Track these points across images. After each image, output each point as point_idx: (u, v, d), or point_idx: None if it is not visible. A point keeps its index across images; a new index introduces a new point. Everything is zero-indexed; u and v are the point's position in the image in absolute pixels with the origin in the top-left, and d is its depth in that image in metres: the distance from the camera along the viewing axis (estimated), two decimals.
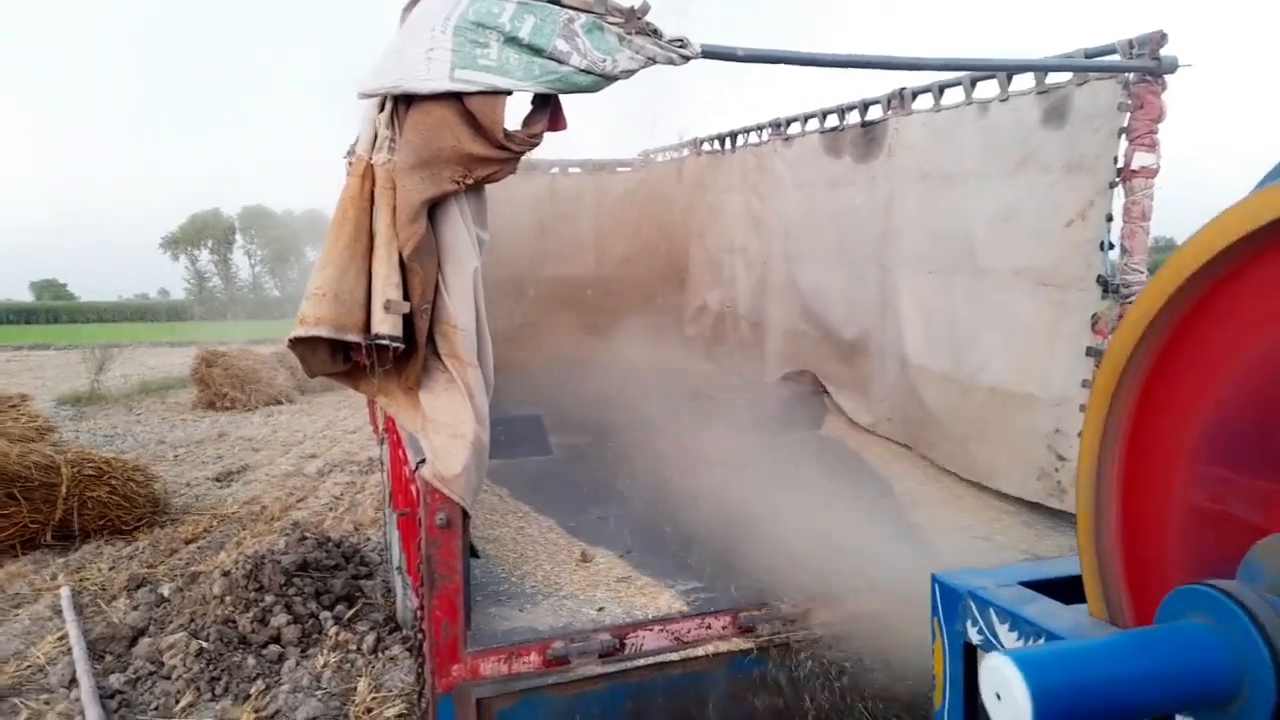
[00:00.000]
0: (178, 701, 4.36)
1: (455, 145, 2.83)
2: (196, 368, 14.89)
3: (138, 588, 5.93)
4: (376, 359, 2.84)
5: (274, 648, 4.84)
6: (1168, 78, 3.76)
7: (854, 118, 5.65)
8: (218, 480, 9.64)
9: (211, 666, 4.58)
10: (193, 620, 5.05)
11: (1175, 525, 1.32)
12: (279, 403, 15.16)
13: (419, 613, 3.17)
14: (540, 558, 3.90)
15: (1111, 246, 3.90)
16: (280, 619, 4.99)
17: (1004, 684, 1.02)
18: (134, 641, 5.04)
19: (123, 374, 17.65)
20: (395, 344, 2.84)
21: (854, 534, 3.84)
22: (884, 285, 5.38)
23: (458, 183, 2.87)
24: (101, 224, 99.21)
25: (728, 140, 7.39)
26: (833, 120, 5.90)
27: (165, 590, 5.74)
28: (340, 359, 2.98)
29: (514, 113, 2.93)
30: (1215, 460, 1.26)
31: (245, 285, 62.56)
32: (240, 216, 61.14)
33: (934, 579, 1.64)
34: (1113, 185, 3.85)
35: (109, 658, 4.88)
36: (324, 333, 2.76)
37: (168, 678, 4.57)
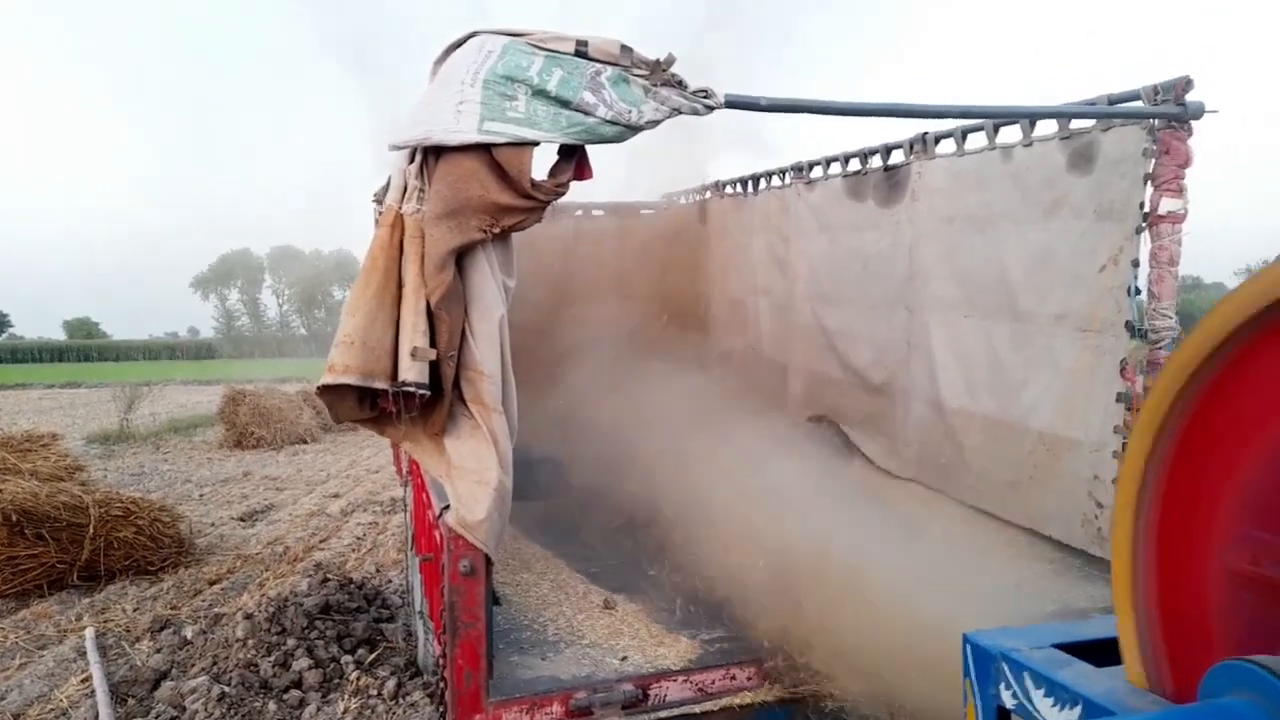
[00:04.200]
0: None
1: (483, 195, 2.87)
2: (224, 406, 15.04)
3: (161, 629, 5.94)
4: (403, 406, 2.86)
5: (295, 693, 4.82)
6: (1194, 123, 3.76)
7: (876, 161, 5.67)
8: (242, 520, 9.68)
9: (232, 712, 4.57)
10: (215, 663, 5.04)
11: (1215, 589, 1.29)
12: (304, 441, 15.28)
13: (441, 660, 3.15)
14: (563, 604, 3.87)
15: (1138, 292, 3.87)
16: (302, 663, 4.98)
17: None
18: (156, 685, 5.03)
19: (151, 412, 17.85)
20: (421, 391, 2.86)
21: (884, 580, 3.77)
22: (911, 328, 5.36)
23: (485, 231, 2.91)
24: (134, 264, 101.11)
25: (749, 183, 7.44)
26: (855, 164, 5.92)
27: (188, 632, 5.75)
28: (367, 406, 3.01)
29: (540, 162, 2.98)
30: (1256, 522, 1.23)
31: (273, 324, 63.41)
32: (269, 256, 62.16)
33: (966, 639, 1.61)
34: (1139, 231, 3.83)
35: (131, 701, 4.88)
36: (352, 380, 2.79)
37: None
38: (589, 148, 3.00)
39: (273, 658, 4.97)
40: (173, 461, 13.54)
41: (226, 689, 4.71)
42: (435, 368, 2.91)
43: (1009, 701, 1.51)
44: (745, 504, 4.86)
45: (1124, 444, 3.92)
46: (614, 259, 8.67)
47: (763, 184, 7.23)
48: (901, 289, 5.44)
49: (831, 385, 6.29)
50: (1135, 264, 3.83)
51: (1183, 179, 3.76)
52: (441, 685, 3.15)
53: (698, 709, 3.20)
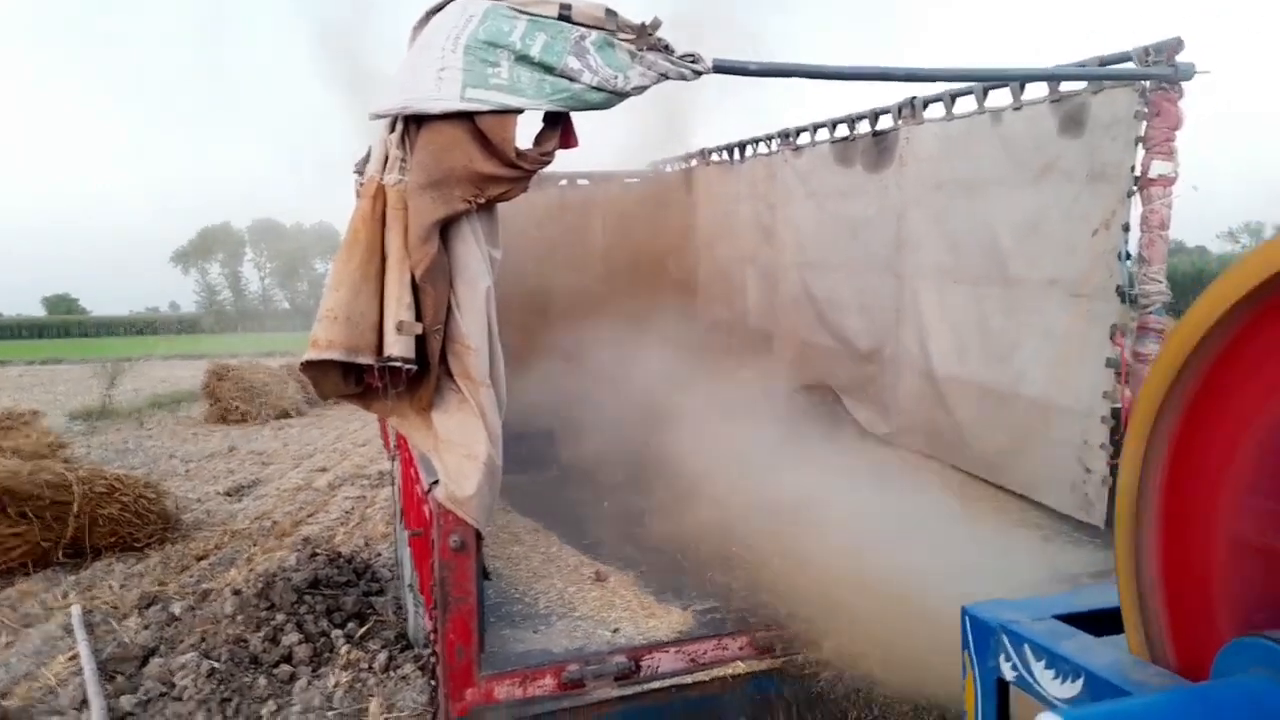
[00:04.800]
0: None
1: (467, 165, 2.80)
2: (207, 381, 14.91)
3: (149, 606, 5.91)
4: (390, 381, 2.81)
5: (285, 667, 4.80)
6: (1184, 84, 3.73)
7: (864, 127, 5.62)
8: (228, 495, 9.62)
9: (223, 687, 4.55)
10: (204, 640, 5.02)
11: (1220, 559, 1.27)
12: (289, 415, 15.17)
13: (432, 635, 3.13)
14: (554, 577, 3.85)
15: (1129, 256, 3.85)
16: (292, 638, 4.96)
17: None
18: (145, 661, 5.01)
19: (134, 388, 17.70)
20: (408, 365, 2.81)
21: (876, 547, 3.77)
22: (901, 295, 5.33)
23: (469, 202, 2.85)
24: (113, 238, 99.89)
25: (736, 150, 7.36)
26: (843, 130, 5.86)
27: (176, 609, 5.72)
28: (353, 381, 2.96)
29: (525, 130, 2.91)
30: (1263, 492, 1.21)
31: (255, 298, 62.90)
32: (250, 230, 61.52)
33: (965, 611, 1.59)
34: (1130, 194, 3.80)
35: (120, 678, 4.85)
36: (337, 356, 2.74)
37: (179, 699, 4.53)
38: (574, 115, 2.94)
39: (262, 633, 4.95)
40: (156, 437, 13.44)
41: (216, 665, 4.69)
42: (421, 342, 2.86)
43: (1009, 674, 1.49)
44: (737, 473, 4.86)
45: (1112, 410, 3.92)
46: (599, 229, 8.59)
47: (749, 151, 7.16)
48: (890, 255, 5.41)
49: (820, 353, 6.28)
50: (1126, 228, 3.81)
51: (1174, 141, 3.74)
52: (433, 659, 3.13)
53: (690, 679, 3.19)
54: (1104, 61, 3.85)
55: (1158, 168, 3.74)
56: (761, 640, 3.32)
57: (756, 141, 6.99)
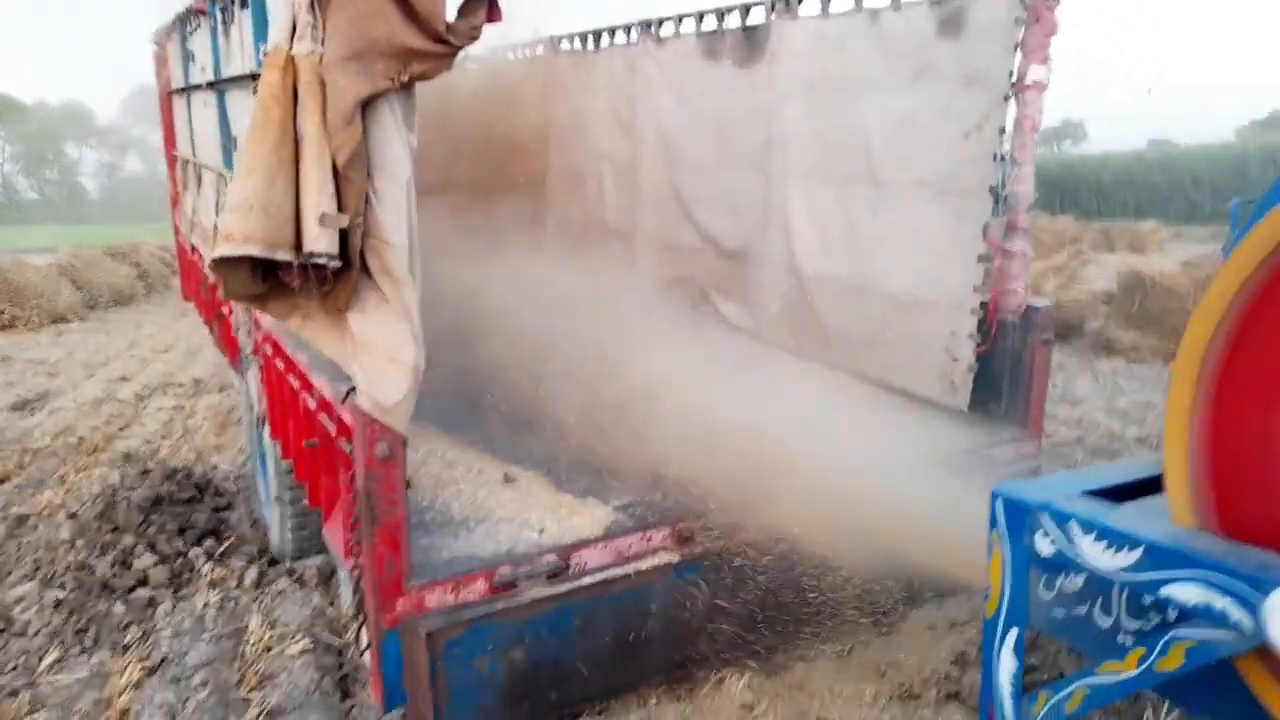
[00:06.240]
0: (41, 659, 3.92)
1: (390, 37, 2.53)
2: None
3: None
4: (314, 279, 2.55)
5: (142, 591, 4.44)
6: None
7: (734, 20, 5.55)
8: (15, 410, 8.59)
9: (75, 618, 4.15)
10: (38, 568, 4.53)
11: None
12: (66, 320, 13.64)
13: (354, 548, 2.98)
14: (460, 482, 3.75)
15: (1003, 158, 4.08)
16: (145, 560, 4.57)
17: None
18: None
19: None
20: (332, 262, 2.56)
21: (768, 435, 3.90)
22: (769, 194, 5.42)
23: (391, 79, 2.58)
24: None
25: (590, 40, 7.10)
26: (710, 23, 5.77)
27: None
28: (259, 279, 2.66)
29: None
30: None
31: None
32: None
33: (996, 494, 1.68)
34: (1007, 98, 4.00)
35: None
36: (255, 251, 2.45)
37: (22, 634, 4.09)
38: None
39: (109, 557, 4.53)
40: None
41: (60, 594, 4.26)
42: (341, 237, 2.61)
43: (1045, 550, 1.60)
44: (613, 366, 4.85)
45: (982, 303, 4.21)
46: (432, 117, 8.08)
47: (605, 40, 6.92)
48: (760, 154, 5.46)
49: (683, 252, 6.31)
50: (1002, 131, 4.02)
51: (1049, 48, 3.95)
52: (356, 574, 2.98)
53: (619, 573, 3.23)
54: None
55: (1034, 73, 3.95)
56: (683, 530, 3.40)
57: (614, 30, 6.76)
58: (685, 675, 3.53)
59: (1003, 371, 4.34)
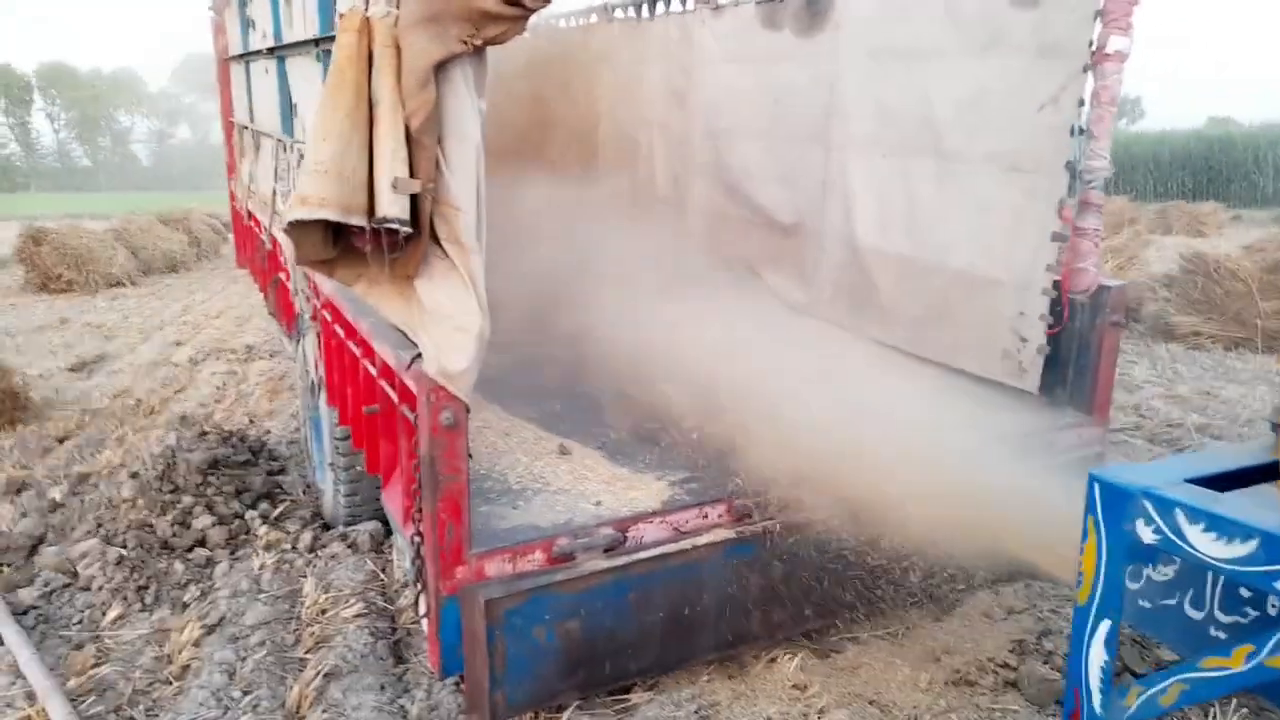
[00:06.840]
0: (104, 614, 4.01)
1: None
2: (23, 246, 13.38)
3: (19, 491, 5.37)
4: (386, 245, 2.54)
5: (201, 551, 4.51)
6: None
7: None
8: (74, 371, 8.79)
9: (136, 575, 4.22)
10: (100, 526, 4.61)
11: None
12: (122, 285, 13.92)
13: (415, 515, 2.98)
14: (516, 452, 3.74)
15: (1081, 131, 3.95)
16: (203, 520, 4.65)
17: None
18: (33, 550, 4.57)
19: None
20: (404, 228, 2.54)
21: (825, 412, 3.84)
22: (828, 167, 5.31)
23: (465, 42, 2.54)
24: None
25: (645, 7, 6.99)
26: None
27: (56, 494, 5.22)
28: (331, 245, 2.66)
29: None
30: None
31: (49, 154, 56.47)
32: (38, 74, 54.47)
33: (1093, 478, 1.62)
34: (1086, 69, 3.86)
35: (7, 569, 4.41)
36: (331, 215, 2.44)
37: (86, 589, 4.18)
38: None
39: (169, 517, 4.60)
40: None
41: (123, 551, 4.34)
42: (413, 202, 2.59)
43: (1148, 537, 1.53)
44: (671, 344, 4.81)
45: (1055, 282, 4.09)
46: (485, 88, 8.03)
47: (660, 8, 6.82)
48: (819, 126, 5.35)
49: (735, 223, 6.22)
50: (1081, 103, 3.89)
51: (1131, 16, 3.79)
52: (417, 540, 2.99)
53: (675, 548, 3.21)
54: None
55: (1115, 43, 3.80)
56: (740, 508, 3.36)
57: None
58: (737, 654, 3.51)
59: (1069, 353, 4.22)
